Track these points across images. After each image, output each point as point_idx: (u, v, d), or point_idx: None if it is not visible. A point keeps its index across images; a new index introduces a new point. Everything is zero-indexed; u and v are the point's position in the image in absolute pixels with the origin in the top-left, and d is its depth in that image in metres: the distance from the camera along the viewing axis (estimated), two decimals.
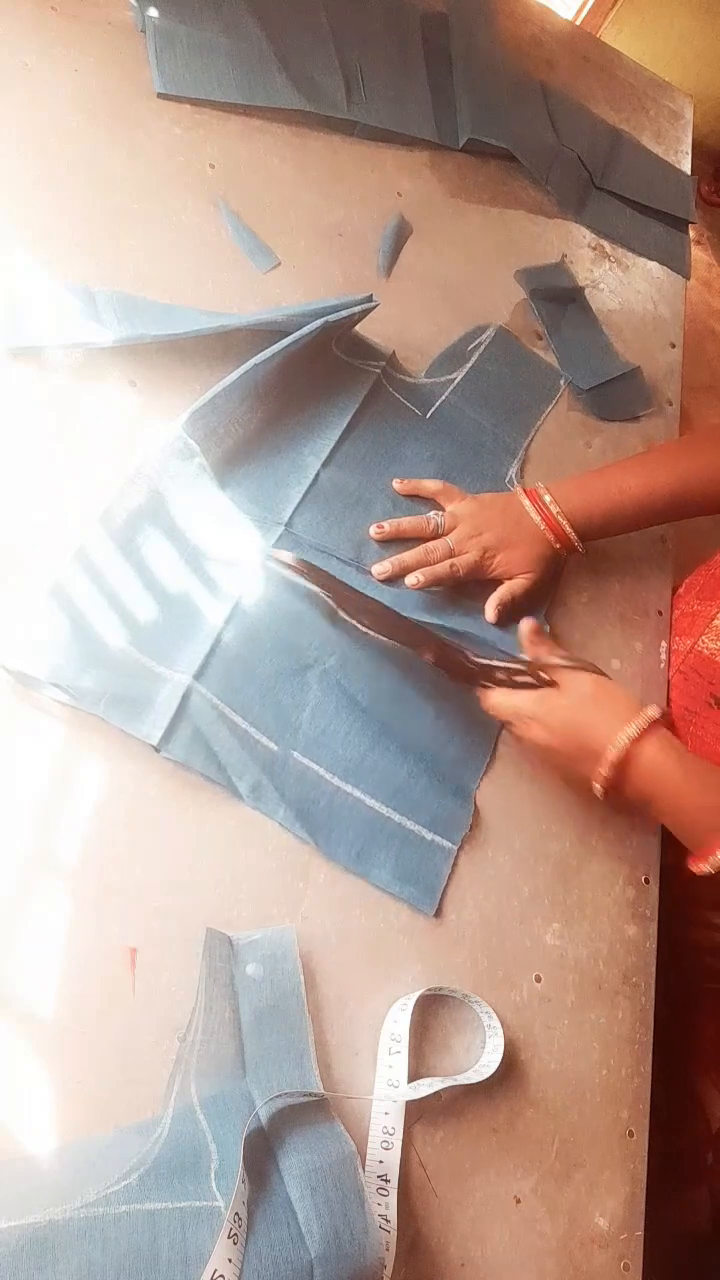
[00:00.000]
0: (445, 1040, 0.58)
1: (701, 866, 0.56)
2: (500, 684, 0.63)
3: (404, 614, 0.65)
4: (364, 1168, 0.50)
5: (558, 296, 0.92)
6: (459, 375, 0.81)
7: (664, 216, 1.06)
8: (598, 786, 0.60)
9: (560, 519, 0.72)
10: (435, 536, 0.71)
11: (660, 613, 0.81)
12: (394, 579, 0.69)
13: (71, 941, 0.51)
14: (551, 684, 0.62)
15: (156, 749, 0.55)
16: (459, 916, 0.61)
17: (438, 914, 0.61)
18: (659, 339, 0.97)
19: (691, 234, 1.08)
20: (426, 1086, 0.54)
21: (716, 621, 0.77)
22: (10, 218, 0.67)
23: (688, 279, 1.04)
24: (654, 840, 0.71)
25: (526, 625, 0.67)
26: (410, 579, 0.68)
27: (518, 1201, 0.57)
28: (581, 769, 0.61)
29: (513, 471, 0.79)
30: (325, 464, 0.70)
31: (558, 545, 0.72)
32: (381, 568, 0.69)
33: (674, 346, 0.98)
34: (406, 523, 0.70)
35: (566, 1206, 0.58)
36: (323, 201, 0.82)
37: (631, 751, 0.58)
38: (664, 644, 0.79)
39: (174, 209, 0.74)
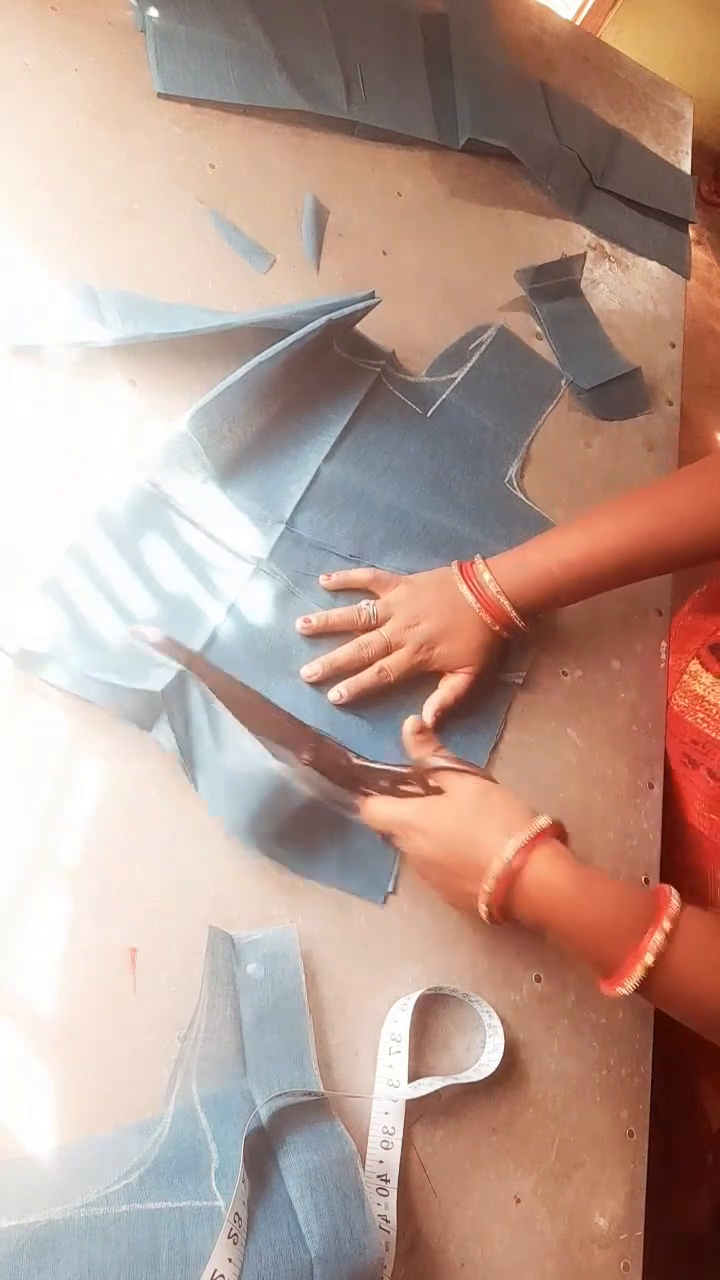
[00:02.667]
0: (445, 1040, 0.58)
1: (617, 990, 0.49)
2: (383, 791, 0.58)
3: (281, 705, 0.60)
4: (364, 1167, 0.50)
5: (557, 295, 0.92)
6: (460, 374, 0.81)
7: (664, 216, 1.06)
8: (483, 906, 0.53)
9: (500, 599, 0.65)
10: (369, 628, 0.65)
11: (660, 613, 0.81)
12: (324, 681, 0.63)
13: (71, 941, 0.51)
14: (437, 790, 0.57)
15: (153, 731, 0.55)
16: (459, 916, 0.61)
17: (394, 891, 0.60)
18: (659, 339, 0.97)
19: (691, 234, 1.08)
20: (427, 1086, 0.54)
21: (685, 678, 0.76)
22: (10, 217, 0.67)
23: (688, 279, 1.04)
24: (654, 840, 0.71)
25: (410, 723, 0.61)
26: (333, 694, 0.63)
27: (518, 1201, 0.57)
28: (467, 886, 0.54)
29: (513, 471, 0.79)
30: (326, 461, 0.70)
31: (497, 628, 0.66)
32: (310, 669, 0.63)
33: (674, 346, 0.98)
34: (336, 615, 0.65)
35: (566, 1206, 0.58)
36: (323, 201, 0.82)
37: (518, 865, 0.52)
38: (664, 644, 0.79)
39: (174, 209, 0.74)
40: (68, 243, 0.68)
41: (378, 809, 0.57)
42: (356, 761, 0.59)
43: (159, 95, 0.78)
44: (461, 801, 0.55)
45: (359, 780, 0.58)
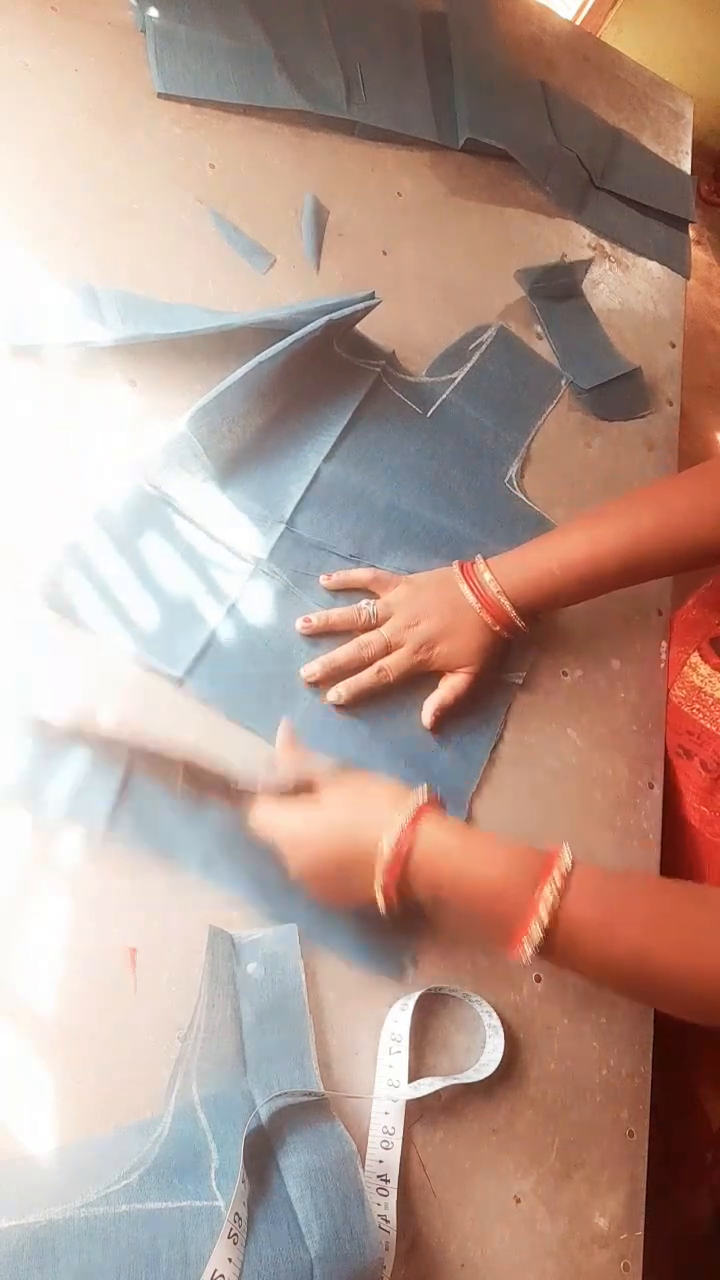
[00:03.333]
0: (445, 1040, 0.58)
1: (519, 952, 0.48)
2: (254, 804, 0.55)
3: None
4: (363, 1167, 0.50)
5: (557, 296, 0.92)
6: (460, 374, 0.81)
7: (664, 216, 1.06)
8: (379, 889, 0.51)
9: (501, 599, 0.65)
10: (370, 628, 0.65)
11: (660, 612, 0.81)
12: (324, 682, 0.63)
13: (71, 941, 0.51)
14: (308, 788, 0.55)
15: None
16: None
17: (416, 964, 0.59)
18: (659, 339, 0.97)
19: (691, 234, 1.08)
20: (427, 1086, 0.54)
21: (685, 669, 0.76)
22: (10, 217, 0.67)
23: (688, 279, 1.04)
24: (654, 840, 0.71)
25: (284, 729, 0.59)
26: (331, 694, 0.62)
27: (518, 1201, 0.57)
28: (360, 879, 0.52)
29: (513, 470, 0.79)
30: (326, 461, 0.70)
31: (498, 628, 0.66)
32: (310, 669, 0.63)
33: (674, 346, 0.98)
34: (336, 615, 0.64)
35: (566, 1206, 0.58)
36: (323, 201, 0.82)
37: (406, 838, 0.50)
38: (664, 644, 0.79)
39: (174, 209, 0.74)
40: (68, 243, 0.68)
41: (263, 816, 0.54)
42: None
43: (159, 95, 0.78)
44: (336, 796, 0.54)
45: (244, 795, 0.55)
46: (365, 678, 0.64)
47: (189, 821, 0.56)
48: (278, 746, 0.59)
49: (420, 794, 0.53)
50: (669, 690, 0.77)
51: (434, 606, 0.66)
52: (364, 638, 0.65)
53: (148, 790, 0.55)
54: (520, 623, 0.66)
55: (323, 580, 0.66)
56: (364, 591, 0.67)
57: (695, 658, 0.75)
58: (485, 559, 0.67)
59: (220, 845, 0.56)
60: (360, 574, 0.67)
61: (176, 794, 0.56)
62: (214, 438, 0.64)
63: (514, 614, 0.65)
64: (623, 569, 0.66)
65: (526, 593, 0.66)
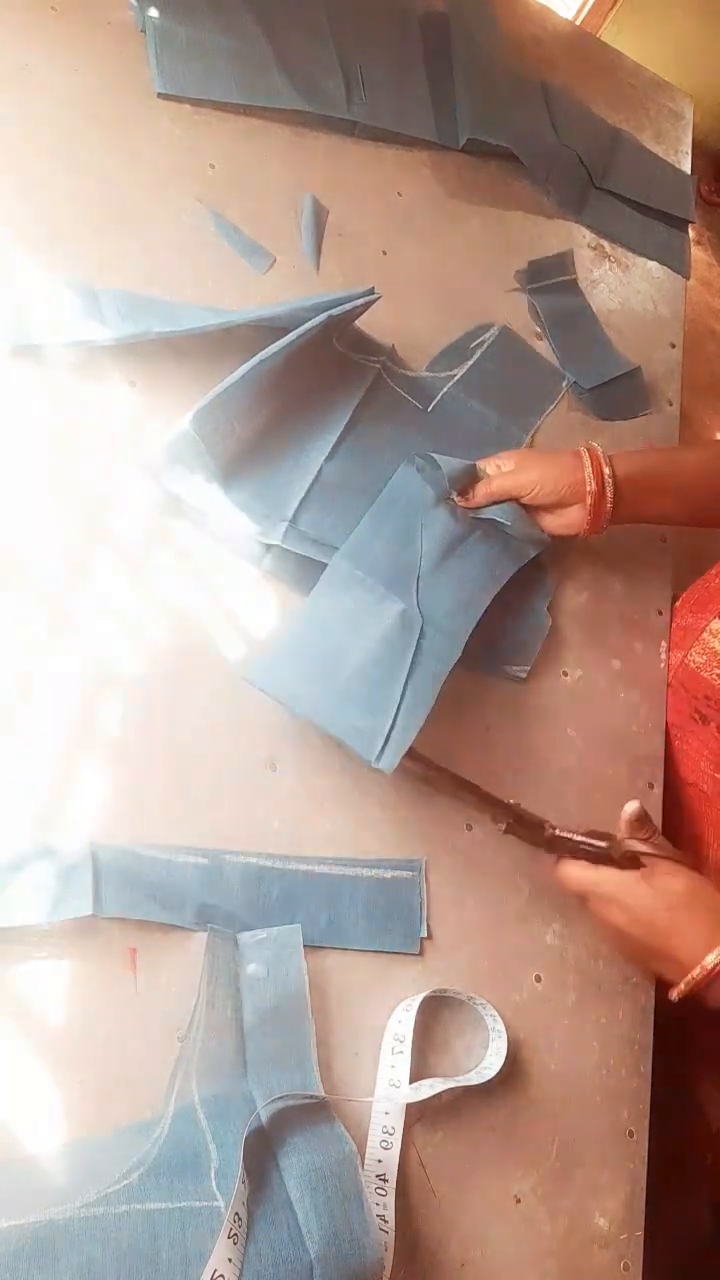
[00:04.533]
0: (446, 1040, 0.58)
1: None
2: (577, 855, 0.61)
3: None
4: (363, 1167, 0.50)
5: (558, 296, 0.92)
6: (460, 371, 0.81)
7: (664, 216, 1.06)
8: (675, 996, 0.57)
9: (608, 483, 0.71)
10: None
11: (660, 613, 0.81)
12: (477, 506, 0.71)
13: (72, 941, 0.51)
14: (635, 865, 0.59)
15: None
16: (459, 916, 0.61)
17: (429, 936, 0.60)
18: (659, 339, 0.97)
19: (691, 234, 1.08)
20: (428, 1088, 0.54)
21: (705, 635, 0.77)
22: (10, 217, 0.67)
23: (688, 279, 1.04)
24: None
25: (631, 808, 0.61)
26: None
27: (518, 1201, 0.56)
28: (657, 966, 0.59)
29: None
30: (328, 458, 0.70)
31: (593, 484, 0.71)
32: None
33: (674, 346, 0.98)
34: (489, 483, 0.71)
35: (566, 1206, 0.58)
36: (323, 201, 0.82)
37: (718, 971, 0.55)
38: (664, 644, 0.79)
39: (174, 209, 0.74)
40: (67, 242, 0.68)
41: (575, 873, 0.60)
42: (557, 833, 0.61)
43: (159, 95, 0.78)
44: (669, 890, 0.57)
45: (555, 849, 0.61)
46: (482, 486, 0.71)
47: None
48: (625, 819, 0.61)
49: None
50: (682, 658, 0.78)
51: (549, 459, 0.72)
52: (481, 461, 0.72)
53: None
54: (609, 510, 0.71)
55: (461, 502, 0.71)
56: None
57: (716, 623, 0.77)
58: (606, 451, 0.72)
59: (208, 890, 0.55)
60: (489, 481, 0.72)
61: (500, 831, 0.61)
62: (217, 436, 0.64)
63: (610, 500, 0.70)
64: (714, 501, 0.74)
65: (633, 472, 0.72)
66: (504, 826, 0.61)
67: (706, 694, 0.75)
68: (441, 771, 0.60)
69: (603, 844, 0.60)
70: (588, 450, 0.72)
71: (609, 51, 1.18)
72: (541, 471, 0.71)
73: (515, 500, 0.71)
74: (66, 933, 0.51)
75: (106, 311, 0.65)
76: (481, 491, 0.71)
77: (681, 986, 0.56)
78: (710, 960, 0.55)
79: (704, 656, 0.77)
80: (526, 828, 0.61)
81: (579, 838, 0.61)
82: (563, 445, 0.84)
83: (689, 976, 0.56)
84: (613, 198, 1.03)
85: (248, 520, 0.65)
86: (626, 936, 0.59)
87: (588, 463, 0.71)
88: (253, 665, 0.60)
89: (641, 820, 0.62)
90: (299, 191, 0.82)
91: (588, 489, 0.70)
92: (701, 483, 0.75)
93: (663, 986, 0.59)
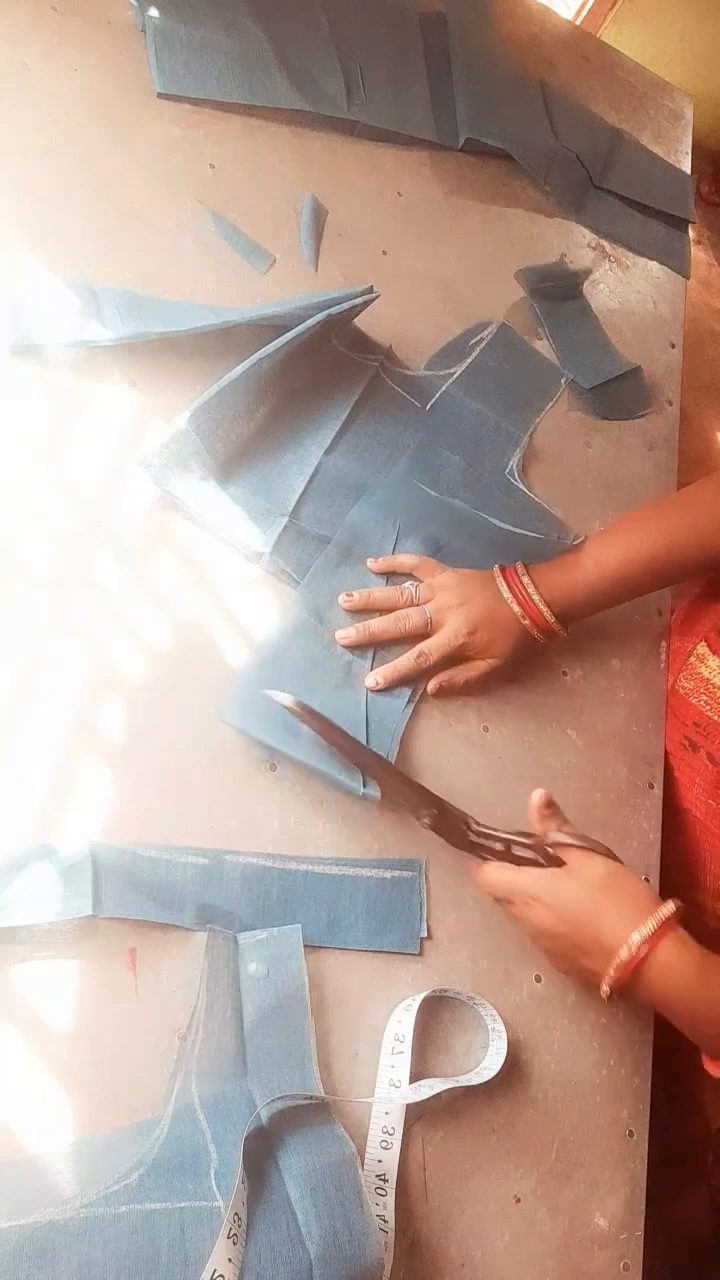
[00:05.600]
0: (445, 1040, 0.58)
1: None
2: (499, 856, 0.58)
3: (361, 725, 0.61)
4: (362, 1167, 0.50)
5: (557, 296, 0.92)
6: (459, 369, 0.81)
7: (664, 216, 1.06)
8: (605, 988, 0.55)
9: (540, 604, 0.67)
10: (411, 606, 0.66)
11: (660, 613, 0.81)
12: (359, 647, 0.64)
13: (72, 942, 0.51)
14: (558, 862, 0.57)
15: None
16: (459, 916, 0.61)
17: (429, 936, 0.60)
18: (659, 339, 0.97)
19: (691, 234, 1.08)
20: (428, 1088, 0.54)
21: (691, 660, 0.76)
22: (10, 217, 0.67)
23: (688, 279, 1.04)
24: (654, 840, 0.71)
25: (538, 796, 0.60)
26: (369, 679, 0.63)
27: (518, 1201, 0.57)
28: (586, 962, 0.56)
29: (514, 462, 0.79)
30: (328, 454, 0.70)
31: (535, 633, 0.68)
32: (346, 634, 0.64)
33: (674, 346, 0.98)
34: (378, 594, 0.66)
35: (566, 1206, 0.58)
36: (323, 201, 0.82)
37: (643, 953, 0.53)
38: (664, 644, 0.79)
39: (174, 209, 0.74)
40: (68, 242, 0.68)
41: (495, 875, 0.58)
42: (477, 828, 0.60)
43: (159, 95, 0.78)
44: (588, 879, 0.56)
45: (479, 848, 0.59)
46: (404, 663, 0.64)
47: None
48: (533, 810, 0.60)
49: (666, 909, 0.54)
50: (673, 682, 0.77)
51: (478, 594, 0.67)
52: (403, 612, 0.66)
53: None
54: (558, 627, 0.68)
55: (370, 564, 0.68)
56: (407, 576, 0.69)
57: (702, 648, 0.75)
58: (525, 565, 0.69)
59: (209, 889, 0.55)
60: (406, 558, 0.68)
61: (421, 826, 0.59)
62: (215, 434, 0.64)
63: (551, 619, 0.67)
64: (657, 573, 0.70)
65: (564, 598, 0.68)
66: (427, 821, 0.59)
67: (695, 720, 0.74)
68: (368, 755, 0.59)
69: (526, 840, 0.59)
70: (510, 591, 0.67)
71: (609, 51, 1.18)
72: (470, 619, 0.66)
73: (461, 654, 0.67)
74: (66, 933, 0.51)
75: (106, 311, 0.65)
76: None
77: (611, 972, 0.53)
78: (635, 938, 0.53)
79: (691, 682, 0.75)
80: (449, 823, 0.59)
81: (500, 833, 0.59)
82: (563, 445, 0.84)
83: (616, 960, 0.53)
84: (612, 197, 1.03)
85: (247, 517, 0.65)
86: (554, 936, 0.56)
87: (511, 601, 0.67)
88: (228, 707, 0.59)
89: (551, 807, 0.60)
90: (299, 191, 0.82)
91: (523, 622, 0.67)
92: (630, 576, 0.70)
93: (594, 988, 0.56)
